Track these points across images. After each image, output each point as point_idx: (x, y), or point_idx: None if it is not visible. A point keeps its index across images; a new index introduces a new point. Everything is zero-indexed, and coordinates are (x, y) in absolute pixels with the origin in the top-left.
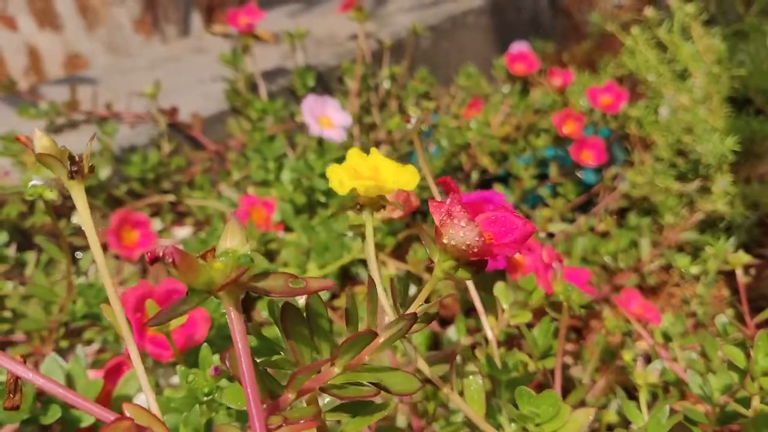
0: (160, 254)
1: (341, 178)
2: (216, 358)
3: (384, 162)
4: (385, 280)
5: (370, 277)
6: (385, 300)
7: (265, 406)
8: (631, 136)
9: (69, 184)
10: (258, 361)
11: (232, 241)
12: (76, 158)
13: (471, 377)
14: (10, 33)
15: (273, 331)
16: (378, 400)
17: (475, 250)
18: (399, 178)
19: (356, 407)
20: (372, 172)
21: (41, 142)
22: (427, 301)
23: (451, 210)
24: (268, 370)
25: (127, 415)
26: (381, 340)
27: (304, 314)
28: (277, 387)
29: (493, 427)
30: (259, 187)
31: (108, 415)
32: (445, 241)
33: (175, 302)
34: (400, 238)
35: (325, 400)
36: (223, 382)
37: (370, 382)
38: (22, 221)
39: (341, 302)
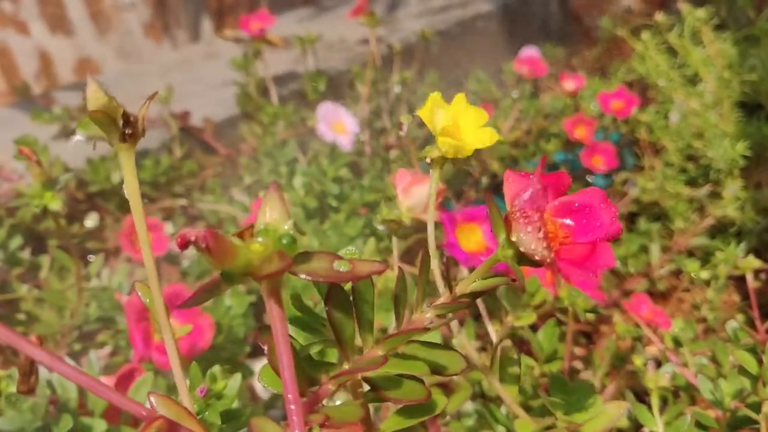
0: (192, 238)
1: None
2: (215, 370)
3: (464, 114)
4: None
5: (425, 250)
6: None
7: (304, 398)
8: (641, 141)
9: (119, 146)
10: (299, 347)
11: (272, 214)
12: (131, 119)
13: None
14: (22, 38)
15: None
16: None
17: (542, 262)
18: (478, 139)
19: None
20: (452, 123)
21: (95, 96)
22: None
23: (527, 210)
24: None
25: (156, 407)
26: (428, 315)
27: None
28: (317, 372)
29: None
30: None
31: (136, 407)
32: (513, 239)
33: (206, 286)
34: (410, 242)
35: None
36: (213, 401)
37: (419, 372)
38: (37, 224)
39: None
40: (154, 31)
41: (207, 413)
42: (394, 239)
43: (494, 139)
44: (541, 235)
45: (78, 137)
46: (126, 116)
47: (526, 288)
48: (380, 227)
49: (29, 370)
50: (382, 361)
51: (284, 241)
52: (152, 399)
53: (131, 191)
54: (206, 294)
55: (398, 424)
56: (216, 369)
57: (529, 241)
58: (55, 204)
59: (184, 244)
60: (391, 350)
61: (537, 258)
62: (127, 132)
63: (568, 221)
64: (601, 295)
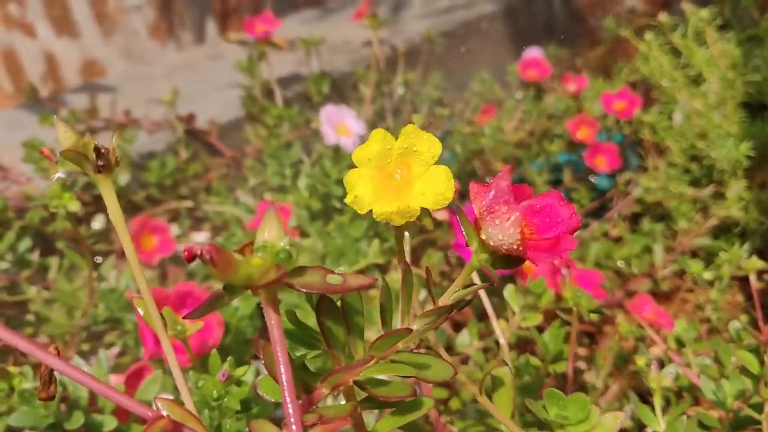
0: (198, 252)
1: (359, 192)
2: (227, 361)
3: (415, 150)
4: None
5: (405, 263)
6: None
7: (300, 401)
8: (644, 142)
9: (96, 178)
10: (294, 356)
11: (270, 233)
12: (103, 151)
13: (499, 377)
14: (29, 40)
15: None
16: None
17: (514, 252)
18: (429, 189)
19: (391, 401)
20: (401, 170)
21: (65, 136)
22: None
23: (493, 205)
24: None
25: (161, 409)
26: (414, 327)
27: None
28: (311, 379)
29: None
30: (276, 192)
31: (143, 409)
32: (483, 237)
33: (212, 297)
34: (414, 243)
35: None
36: (232, 388)
37: (405, 374)
38: (45, 227)
39: None
40: (159, 33)
41: (227, 399)
42: (406, 234)
43: (450, 193)
44: (508, 224)
45: (59, 174)
46: (97, 150)
47: (519, 284)
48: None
49: (49, 379)
50: (368, 359)
51: (281, 256)
52: (158, 402)
53: (114, 215)
54: (211, 305)
55: (392, 424)
56: (230, 359)
57: (497, 232)
58: (74, 205)
59: (191, 258)
60: (380, 356)
61: (506, 248)
62: (100, 164)
63: (532, 221)
64: (604, 294)
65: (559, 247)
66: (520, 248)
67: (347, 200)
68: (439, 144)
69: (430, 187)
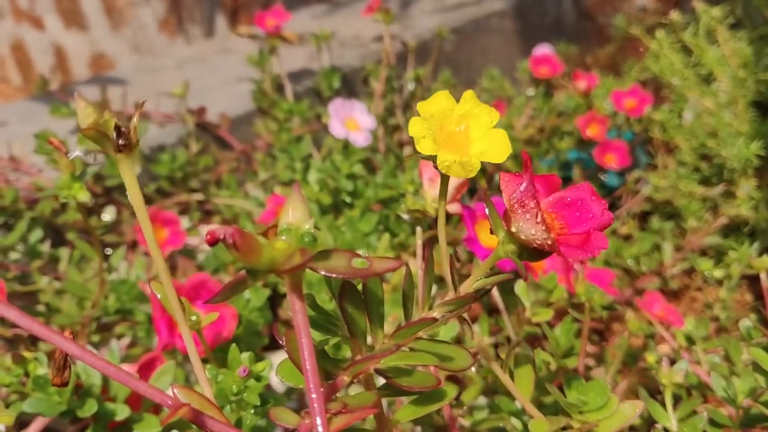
0: (221, 236)
1: (423, 135)
2: (245, 356)
3: (475, 113)
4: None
5: (426, 247)
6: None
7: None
8: (654, 140)
9: (117, 158)
10: (315, 342)
11: (295, 214)
12: (123, 129)
13: (522, 357)
14: (38, 33)
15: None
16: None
17: (546, 247)
18: (488, 149)
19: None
20: (460, 128)
21: (85, 113)
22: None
23: (524, 200)
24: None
25: (179, 397)
26: (435, 314)
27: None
28: (331, 367)
29: (518, 426)
30: (286, 186)
31: (161, 396)
32: (513, 230)
33: (234, 282)
34: (425, 238)
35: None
36: (251, 382)
37: (428, 363)
38: (56, 218)
39: None
40: (167, 27)
41: (246, 394)
42: (418, 229)
43: (507, 150)
44: (539, 219)
45: (77, 152)
46: (118, 128)
47: (530, 279)
48: (405, 217)
49: (63, 364)
50: (393, 349)
51: (306, 239)
52: (175, 390)
53: (133, 197)
54: (233, 290)
55: (412, 414)
56: (249, 353)
57: (529, 227)
58: (83, 195)
59: (214, 241)
60: (401, 344)
61: (538, 243)
62: (121, 143)
63: (562, 215)
64: (615, 293)
65: (591, 244)
66: (553, 245)
67: (419, 147)
68: (497, 113)
69: (489, 147)
